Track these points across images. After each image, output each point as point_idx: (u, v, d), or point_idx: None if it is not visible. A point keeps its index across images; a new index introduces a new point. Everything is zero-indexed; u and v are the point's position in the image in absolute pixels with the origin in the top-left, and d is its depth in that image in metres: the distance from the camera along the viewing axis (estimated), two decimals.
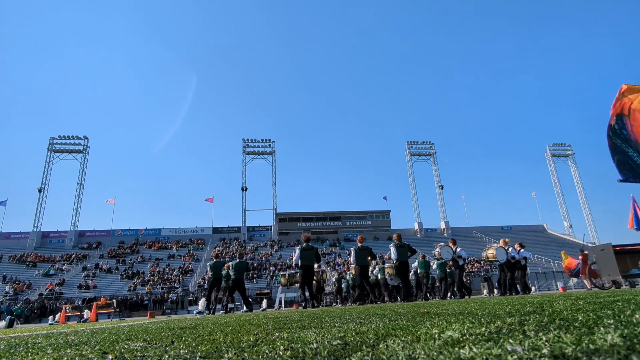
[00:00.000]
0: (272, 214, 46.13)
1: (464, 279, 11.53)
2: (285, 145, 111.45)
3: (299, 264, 8.56)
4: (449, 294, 11.11)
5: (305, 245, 8.74)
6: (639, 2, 79.81)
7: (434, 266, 12.59)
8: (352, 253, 9.02)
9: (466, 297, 10.56)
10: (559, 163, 52.56)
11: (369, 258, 9.06)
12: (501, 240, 10.85)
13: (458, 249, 10.45)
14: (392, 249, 9.12)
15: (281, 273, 11.17)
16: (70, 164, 65.30)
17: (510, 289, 9.92)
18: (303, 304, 8.70)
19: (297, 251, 8.69)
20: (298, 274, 9.17)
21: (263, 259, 35.85)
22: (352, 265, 9.51)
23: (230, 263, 10.14)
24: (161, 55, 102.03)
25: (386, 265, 11.31)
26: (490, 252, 10.28)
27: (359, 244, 9.09)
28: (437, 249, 10.71)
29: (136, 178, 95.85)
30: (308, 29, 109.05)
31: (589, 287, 11.15)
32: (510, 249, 10.29)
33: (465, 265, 11.02)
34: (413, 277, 12.94)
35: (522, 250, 10.43)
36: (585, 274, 11.16)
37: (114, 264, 33.89)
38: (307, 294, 8.64)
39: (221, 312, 10.23)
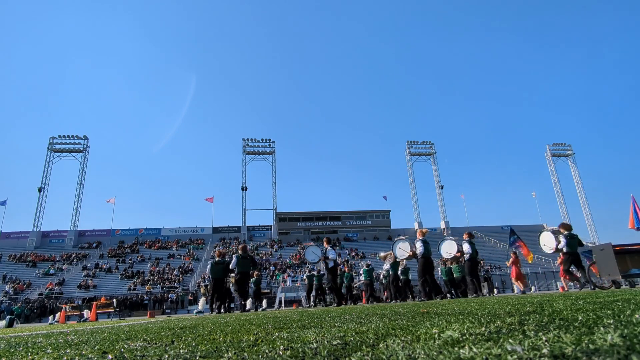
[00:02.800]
0: (272, 213, 46.15)
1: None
2: (285, 145, 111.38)
3: (210, 276, 9.30)
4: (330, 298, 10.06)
5: (218, 259, 9.39)
6: (639, 2, 79.81)
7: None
8: (234, 260, 9.17)
9: (334, 304, 9.45)
10: (559, 163, 52.54)
11: (251, 266, 9.41)
12: (418, 231, 9.04)
13: (328, 248, 9.26)
14: (234, 259, 9.13)
15: (202, 284, 11.52)
16: (70, 163, 65.50)
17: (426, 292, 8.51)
18: (214, 312, 9.09)
19: (209, 265, 9.43)
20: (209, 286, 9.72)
21: (263, 258, 35.85)
22: (233, 275, 9.71)
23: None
24: (161, 55, 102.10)
25: (231, 274, 10.07)
26: (381, 254, 8.71)
27: (240, 253, 9.31)
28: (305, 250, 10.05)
29: (136, 178, 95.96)
30: (308, 29, 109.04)
31: (521, 290, 10.77)
32: (419, 243, 8.59)
33: (338, 268, 9.79)
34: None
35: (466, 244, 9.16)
36: (514, 277, 11.03)
37: (114, 264, 33.87)
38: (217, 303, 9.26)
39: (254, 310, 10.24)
